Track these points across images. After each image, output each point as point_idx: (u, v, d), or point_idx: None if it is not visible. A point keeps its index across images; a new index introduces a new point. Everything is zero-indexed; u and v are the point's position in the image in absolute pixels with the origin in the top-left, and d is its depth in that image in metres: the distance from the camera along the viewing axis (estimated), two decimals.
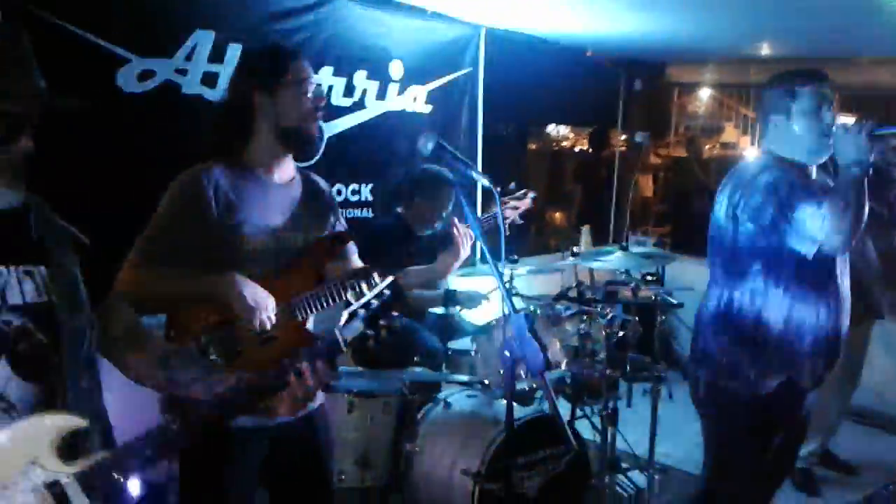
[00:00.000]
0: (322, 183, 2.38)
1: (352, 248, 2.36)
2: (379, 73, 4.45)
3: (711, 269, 2.67)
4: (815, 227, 2.34)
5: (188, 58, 3.57)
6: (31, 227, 1.46)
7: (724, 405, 2.64)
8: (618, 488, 3.76)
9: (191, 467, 2.14)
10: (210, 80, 3.66)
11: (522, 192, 2.72)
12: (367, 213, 4.47)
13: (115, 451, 1.47)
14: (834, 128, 2.42)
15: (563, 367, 3.42)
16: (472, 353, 3.54)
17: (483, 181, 1.91)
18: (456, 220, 2.64)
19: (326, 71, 4.18)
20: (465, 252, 2.45)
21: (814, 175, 2.59)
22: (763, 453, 2.62)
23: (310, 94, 2.14)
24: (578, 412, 3.74)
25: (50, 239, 1.48)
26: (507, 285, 4.23)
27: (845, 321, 2.60)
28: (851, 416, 4.65)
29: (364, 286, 2.13)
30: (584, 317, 3.45)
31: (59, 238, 1.51)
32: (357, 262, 2.31)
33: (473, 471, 3.07)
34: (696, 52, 6.22)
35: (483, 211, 4.85)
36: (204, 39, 3.61)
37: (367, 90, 4.39)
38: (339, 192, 4.36)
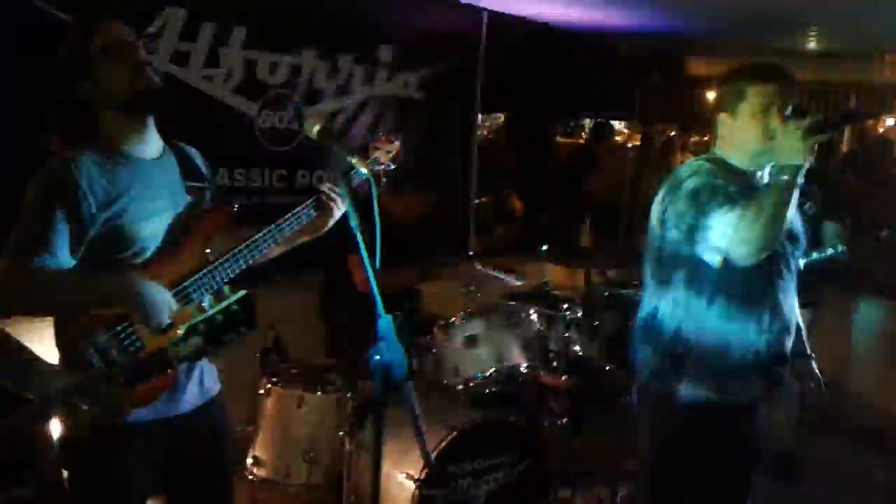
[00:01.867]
0: (191, 150, 2.22)
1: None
2: (366, 56, 4.33)
3: (644, 275, 2.53)
4: (721, 235, 2.19)
5: (157, 35, 3.50)
6: None
7: (650, 417, 2.51)
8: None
9: (79, 467, 2.05)
10: (181, 58, 3.59)
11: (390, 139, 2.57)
12: None
13: None
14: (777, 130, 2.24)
15: (523, 369, 3.29)
16: (431, 351, 3.43)
17: (361, 169, 1.80)
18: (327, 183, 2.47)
19: (309, 53, 4.07)
20: (337, 210, 2.31)
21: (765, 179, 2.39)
22: (694, 472, 2.46)
23: (127, 55, 1.94)
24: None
25: None
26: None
27: (785, 341, 2.41)
28: None
29: (255, 255, 2.06)
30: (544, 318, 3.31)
31: None
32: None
33: (415, 475, 2.96)
34: (719, 44, 5.97)
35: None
36: (174, 17, 3.53)
37: (352, 74, 4.28)
38: (320, 179, 4.27)
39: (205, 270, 2.02)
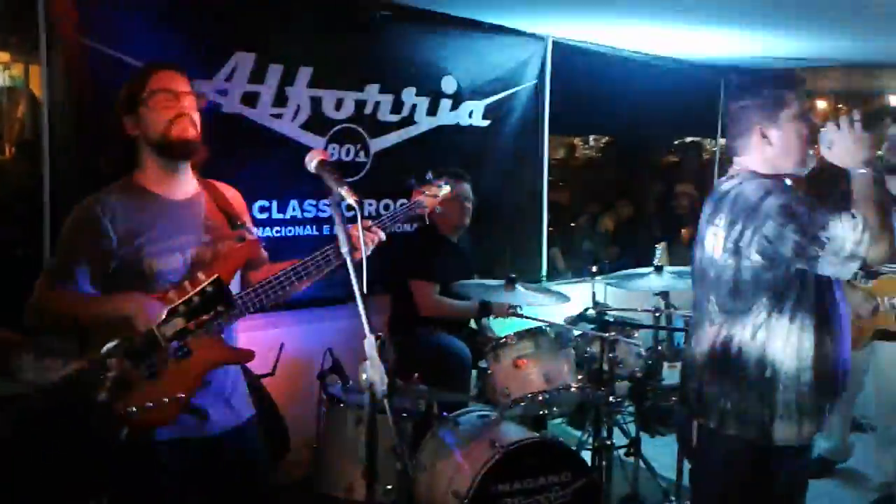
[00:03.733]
0: (230, 192, 2.41)
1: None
2: (429, 88, 4.48)
3: (700, 306, 2.43)
4: (854, 241, 2.10)
5: (228, 79, 3.78)
6: None
7: (729, 452, 2.36)
8: None
9: (116, 481, 2.19)
10: (251, 99, 3.85)
11: (435, 182, 2.66)
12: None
13: None
14: (822, 131, 2.23)
15: (573, 390, 3.31)
16: (487, 372, 3.50)
17: (349, 200, 1.91)
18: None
19: (373, 88, 4.26)
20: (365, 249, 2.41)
21: None
22: None
23: (171, 102, 2.16)
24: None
25: None
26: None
27: (848, 347, 2.35)
28: None
29: (280, 291, 2.19)
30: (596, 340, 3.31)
31: None
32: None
33: (462, 493, 3.04)
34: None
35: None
36: (243, 61, 3.80)
37: (416, 106, 4.44)
38: (386, 207, 4.44)
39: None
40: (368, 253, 2.31)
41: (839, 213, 2.13)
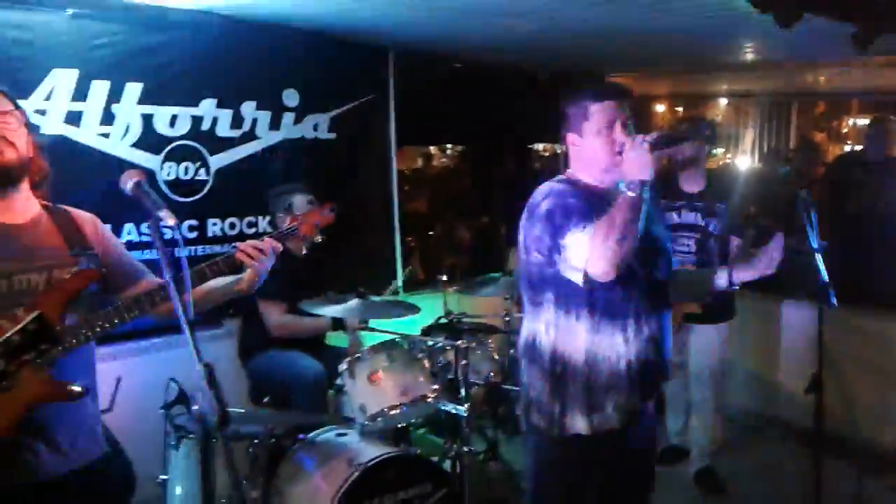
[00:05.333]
0: (80, 216, 2.26)
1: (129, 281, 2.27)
2: (271, 102, 4.37)
3: (524, 299, 2.56)
4: (577, 255, 2.22)
5: (47, 98, 3.53)
6: None
7: (535, 442, 2.52)
8: None
9: None
10: (74, 118, 3.62)
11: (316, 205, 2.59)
12: None
13: None
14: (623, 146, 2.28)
15: (429, 400, 3.29)
16: (343, 389, 3.43)
17: (168, 222, 1.81)
18: (245, 244, 2.47)
19: (209, 103, 4.10)
20: (262, 267, 2.33)
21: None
22: (578, 498, 2.47)
23: None
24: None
25: None
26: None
27: (656, 349, 2.44)
28: None
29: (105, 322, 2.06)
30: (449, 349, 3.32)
31: None
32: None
33: None
34: (634, 63, 6.09)
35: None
36: (63, 78, 3.56)
37: (257, 120, 4.32)
38: (232, 226, 4.29)
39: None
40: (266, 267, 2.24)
41: (582, 225, 2.23)
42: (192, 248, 4.13)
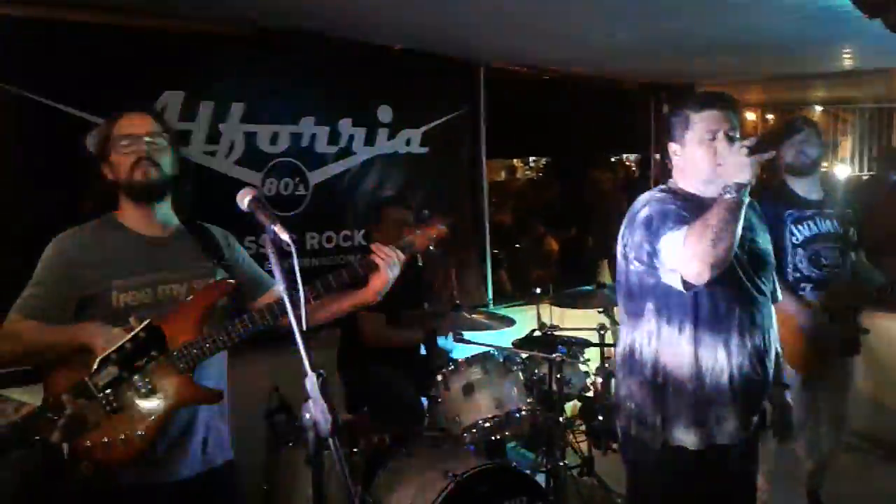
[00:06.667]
0: (213, 231, 2.43)
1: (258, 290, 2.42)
2: (365, 118, 4.47)
3: (620, 310, 2.55)
4: (670, 255, 2.20)
5: None
6: None
7: (635, 454, 2.50)
8: None
9: None
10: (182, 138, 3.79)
11: (429, 219, 2.61)
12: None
13: None
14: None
15: (523, 413, 3.30)
16: (438, 400, 3.47)
17: (283, 236, 1.89)
18: (378, 245, 2.53)
19: (307, 121, 4.23)
20: (391, 274, 2.39)
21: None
22: None
23: (132, 147, 2.20)
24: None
25: None
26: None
27: (759, 363, 2.40)
28: None
29: (241, 328, 2.17)
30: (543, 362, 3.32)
31: None
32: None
33: None
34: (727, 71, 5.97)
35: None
36: (173, 99, 3.74)
37: (353, 136, 4.43)
38: (329, 240, 4.40)
39: (189, 341, 2.16)
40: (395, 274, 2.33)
41: (678, 227, 2.20)
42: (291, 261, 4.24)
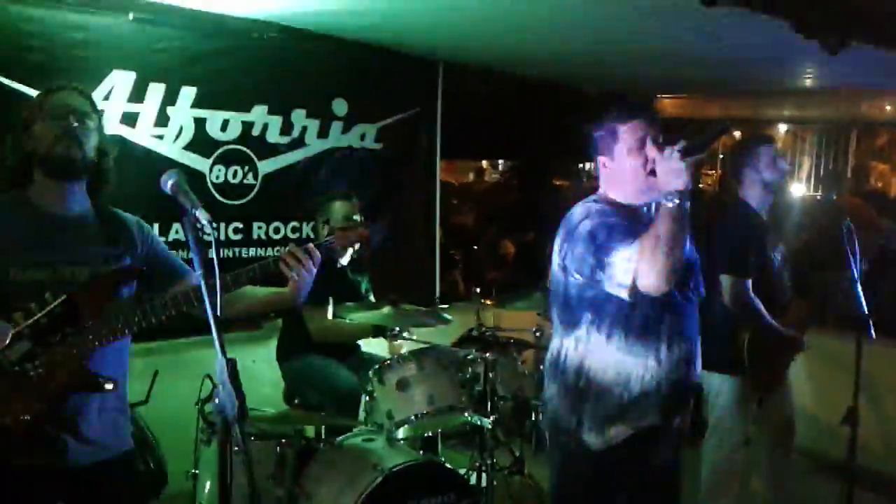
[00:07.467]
0: (125, 218, 2.35)
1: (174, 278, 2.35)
2: (320, 110, 4.46)
3: (552, 319, 2.57)
4: (625, 271, 2.22)
5: (106, 98, 3.68)
6: None
7: (556, 456, 2.55)
8: None
9: None
10: (130, 119, 3.76)
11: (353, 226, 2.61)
12: None
13: None
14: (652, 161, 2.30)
15: (457, 411, 3.32)
16: (372, 395, 3.47)
17: (203, 221, 1.88)
18: (291, 251, 2.53)
19: (260, 109, 4.21)
20: (305, 277, 2.38)
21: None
22: None
23: (60, 122, 2.13)
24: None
25: None
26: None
27: (685, 370, 2.44)
28: None
29: (142, 320, 2.13)
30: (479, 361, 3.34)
31: None
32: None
33: None
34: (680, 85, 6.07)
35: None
36: (122, 80, 3.71)
37: (307, 128, 4.42)
38: (276, 230, 4.38)
39: (87, 326, 2.09)
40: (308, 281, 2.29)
41: (628, 241, 2.23)
42: (237, 249, 4.24)
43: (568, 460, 2.49)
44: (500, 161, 11.00)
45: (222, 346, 1.77)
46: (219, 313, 1.81)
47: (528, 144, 6.98)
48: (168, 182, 1.95)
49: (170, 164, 3.86)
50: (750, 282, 3.39)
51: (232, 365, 1.73)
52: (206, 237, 1.87)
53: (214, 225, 1.85)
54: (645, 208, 2.49)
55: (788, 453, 3.87)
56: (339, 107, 4.56)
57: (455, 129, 5.68)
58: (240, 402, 1.70)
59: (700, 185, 8.83)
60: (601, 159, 2.46)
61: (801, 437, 4.26)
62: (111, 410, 2.26)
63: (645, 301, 2.28)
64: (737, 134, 9.65)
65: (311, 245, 2.32)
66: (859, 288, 3.24)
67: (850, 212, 4.00)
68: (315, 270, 2.33)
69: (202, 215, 1.86)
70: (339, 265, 4.00)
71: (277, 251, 4.30)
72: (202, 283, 1.82)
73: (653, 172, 2.30)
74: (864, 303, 3.24)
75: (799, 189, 9.83)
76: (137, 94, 3.77)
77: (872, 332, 3.26)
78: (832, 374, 4.16)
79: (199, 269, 1.84)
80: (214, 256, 1.82)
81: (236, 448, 1.83)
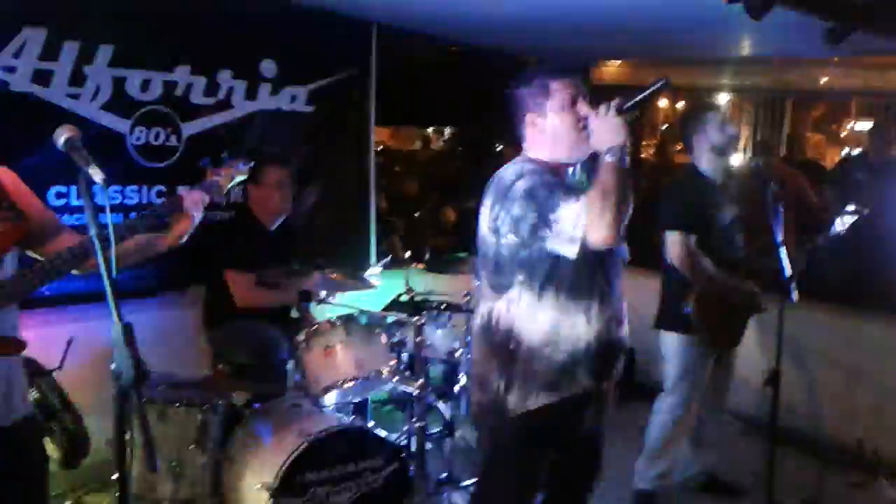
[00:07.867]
0: (7, 176, 2.21)
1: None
2: (247, 71, 4.34)
3: (479, 282, 2.54)
4: (574, 225, 2.20)
5: (16, 55, 3.50)
6: None
7: (483, 421, 2.54)
8: None
9: None
10: (43, 77, 3.60)
11: (230, 162, 2.65)
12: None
13: None
14: (588, 119, 2.30)
15: (385, 375, 3.30)
16: (300, 361, 3.42)
17: (97, 178, 1.82)
18: (188, 190, 2.54)
19: (183, 69, 4.07)
20: (196, 216, 2.43)
21: None
22: (528, 477, 2.46)
23: None
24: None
25: None
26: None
27: (617, 330, 2.45)
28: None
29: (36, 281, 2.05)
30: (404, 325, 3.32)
31: None
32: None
33: (268, 483, 2.95)
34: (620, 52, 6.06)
35: None
36: (33, 37, 3.53)
37: (233, 89, 4.29)
38: None
39: None
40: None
41: (572, 198, 2.23)
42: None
43: (495, 424, 2.47)
44: (447, 129, 10.90)
45: (118, 311, 1.72)
46: (113, 272, 1.74)
47: (471, 112, 6.89)
48: (60, 138, 1.86)
49: (87, 124, 3.71)
50: (694, 238, 3.45)
51: (129, 329, 1.67)
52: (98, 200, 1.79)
53: (107, 180, 1.77)
54: (570, 168, 2.49)
55: (721, 413, 3.97)
56: (268, 68, 4.43)
57: (397, 96, 5.60)
58: (136, 366, 1.65)
59: (642, 156, 8.89)
60: (529, 117, 2.42)
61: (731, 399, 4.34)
62: (14, 373, 2.17)
63: (579, 259, 2.27)
64: (679, 105, 9.87)
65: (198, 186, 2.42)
66: (782, 252, 3.29)
67: (777, 177, 4.05)
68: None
69: (96, 173, 1.79)
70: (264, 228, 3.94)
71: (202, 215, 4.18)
72: (94, 240, 1.75)
73: (584, 129, 2.32)
74: (786, 266, 3.30)
75: (736, 158, 10.00)
76: (50, 52, 3.60)
77: (794, 295, 3.32)
78: (759, 337, 4.24)
79: (92, 225, 1.76)
80: (108, 214, 1.75)
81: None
